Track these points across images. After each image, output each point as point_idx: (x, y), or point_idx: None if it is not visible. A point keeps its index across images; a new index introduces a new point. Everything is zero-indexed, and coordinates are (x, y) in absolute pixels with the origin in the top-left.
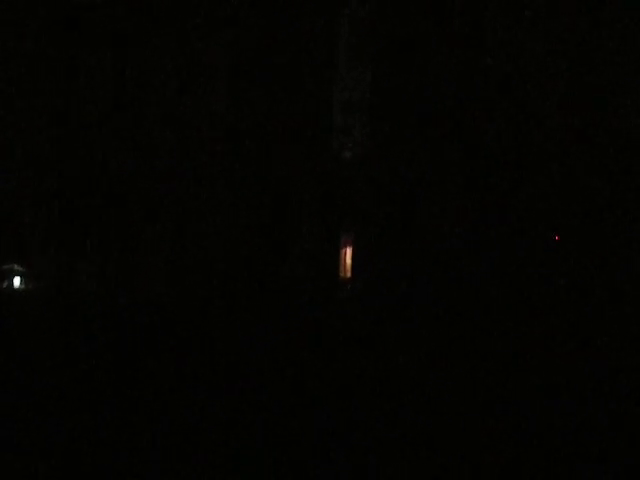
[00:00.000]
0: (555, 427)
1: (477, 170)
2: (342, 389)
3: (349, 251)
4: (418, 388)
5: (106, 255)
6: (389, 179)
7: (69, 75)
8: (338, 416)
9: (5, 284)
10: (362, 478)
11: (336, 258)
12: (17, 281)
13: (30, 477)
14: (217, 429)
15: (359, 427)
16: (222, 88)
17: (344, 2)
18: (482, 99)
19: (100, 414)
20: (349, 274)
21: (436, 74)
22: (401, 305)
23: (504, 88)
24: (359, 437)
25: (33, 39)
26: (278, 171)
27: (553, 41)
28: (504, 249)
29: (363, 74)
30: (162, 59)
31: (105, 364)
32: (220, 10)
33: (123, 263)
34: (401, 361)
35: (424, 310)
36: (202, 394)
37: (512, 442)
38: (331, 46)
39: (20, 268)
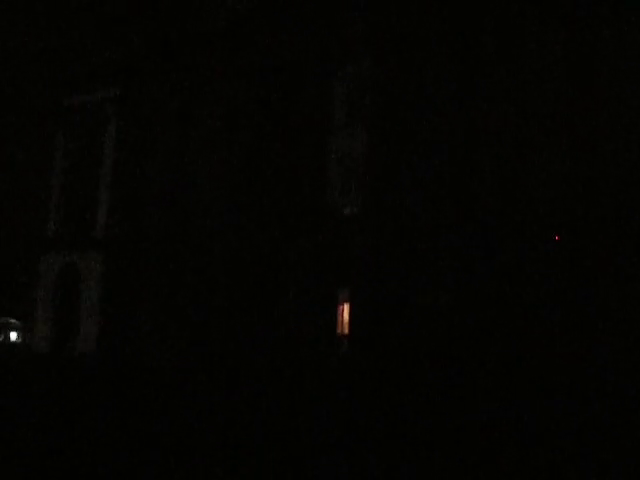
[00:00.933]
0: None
1: (474, 225)
2: (342, 443)
3: (346, 307)
4: (420, 443)
5: (103, 313)
6: (387, 235)
7: None
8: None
9: (1, 338)
10: None
11: (334, 315)
12: (14, 335)
13: None
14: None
15: None
16: (221, 145)
17: (341, 63)
18: (477, 158)
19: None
20: (346, 331)
21: (432, 131)
22: (400, 361)
23: (498, 150)
24: None
25: None
26: (274, 227)
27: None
28: (501, 307)
29: (359, 131)
30: (165, 122)
31: (99, 423)
32: (220, 70)
33: (117, 322)
34: (402, 416)
35: (424, 365)
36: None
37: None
38: (327, 105)
39: (16, 322)
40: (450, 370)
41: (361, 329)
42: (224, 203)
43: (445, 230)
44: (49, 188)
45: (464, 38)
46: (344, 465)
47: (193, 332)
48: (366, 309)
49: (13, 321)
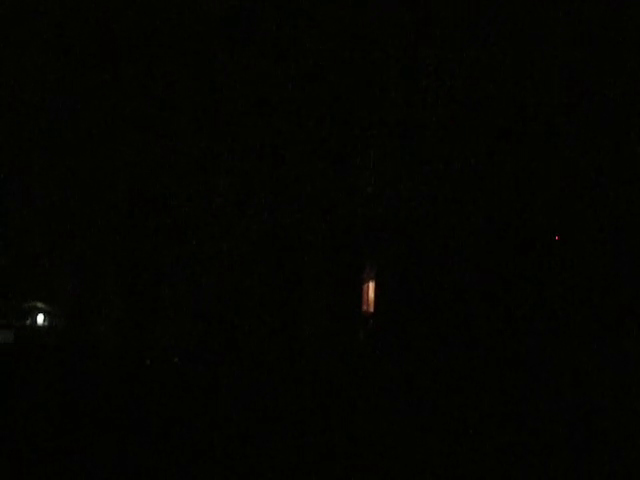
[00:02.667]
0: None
1: (494, 206)
2: (367, 421)
3: (372, 285)
4: (444, 423)
5: (126, 300)
6: (410, 213)
7: None
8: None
9: (28, 321)
10: None
11: (359, 292)
12: (40, 318)
13: None
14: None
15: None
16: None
17: None
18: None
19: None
20: (372, 308)
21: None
22: (423, 339)
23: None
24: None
25: None
26: (295, 205)
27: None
28: (520, 282)
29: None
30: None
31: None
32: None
33: (141, 311)
34: (424, 395)
35: (446, 344)
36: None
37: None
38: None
39: (43, 305)
40: (475, 347)
41: (386, 307)
42: (240, 182)
43: (469, 205)
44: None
45: None
46: (366, 440)
47: (214, 311)
48: (392, 287)
49: (41, 305)
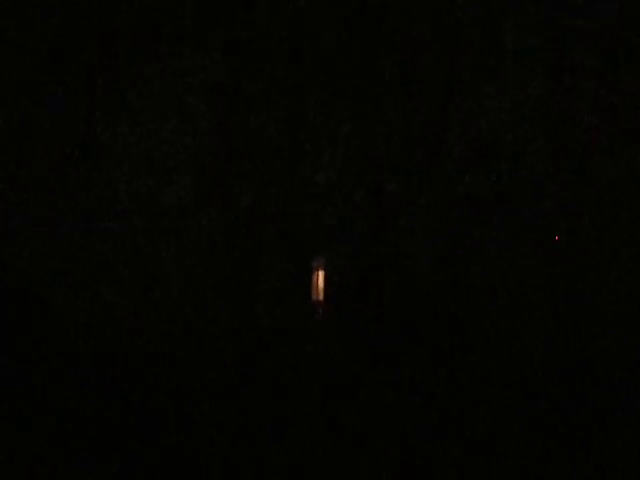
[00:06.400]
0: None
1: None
2: (317, 414)
3: (321, 274)
4: (396, 413)
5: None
6: (363, 197)
7: None
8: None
9: None
10: None
11: (308, 281)
12: None
13: None
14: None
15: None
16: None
17: None
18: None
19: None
20: (322, 297)
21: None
22: (376, 327)
23: None
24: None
25: None
26: (244, 195)
27: None
28: (476, 271)
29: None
30: None
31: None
32: None
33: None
34: (377, 385)
35: (400, 332)
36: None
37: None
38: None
39: None
40: (427, 336)
41: (336, 295)
42: (193, 169)
43: (426, 186)
44: None
45: None
46: (320, 437)
47: (167, 309)
48: (341, 276)
49: None
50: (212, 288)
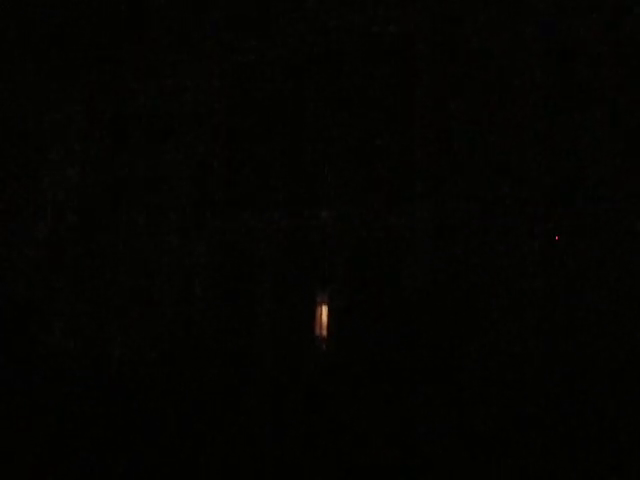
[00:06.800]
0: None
1: (450, 228)
2: (318, 445)
3: (325, 309)
4: (395, 444)
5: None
6: (365, 237)
7: None
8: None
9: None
10: None
11: (312, 316)
12: None
13: None
14: None
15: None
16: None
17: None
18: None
19: None
20: (325, 332)
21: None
22: (377, 361)
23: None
24: None
25: None
26: (249, 226)
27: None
28: (476, 307)
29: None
30: None
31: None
32: None
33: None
34: (377, 417)
35: (399, 366)
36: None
37: None
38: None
39: None
40: (432, 372)
41: (340, 330)
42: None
43: (425, 230)
44: None
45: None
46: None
47: (168, 335)
48: (345, 311)
49: None
50: (214, 321)
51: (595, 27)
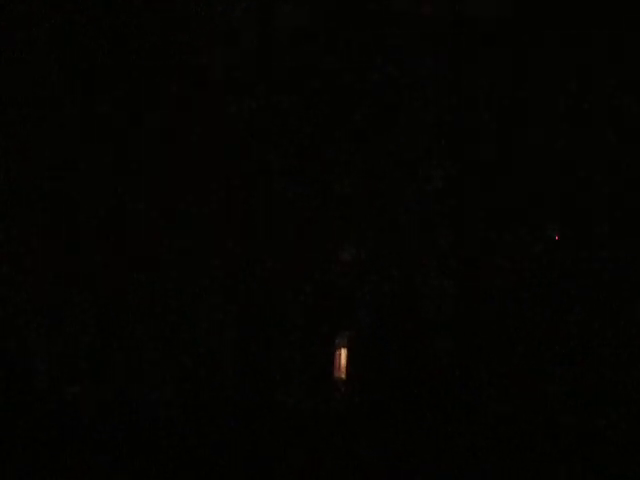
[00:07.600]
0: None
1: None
2: None
3: (344, 352)
4: None
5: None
6: (384, 279)
7: None
8: None
9: None
10: None
11: (330, 359)
12: None
13: None
14: None
15: None
16: None
17: None
18: None
19: None
20: (344, 375)
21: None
22: (397, 406)
23: None
24: None
25: None
26: (270, 271)
27: None
28: (499, 350)
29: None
30: None
31: None
32: None
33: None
34: (401, 462)
35: (421, 411)
36: None
37: None
38: None
39: None
40: (451, 417)
41: (359, 374)
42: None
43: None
44: None
45: None
46: None
47: (183, 380)
48: (365, 355)
49: None
50: (230, 362)
51: None
